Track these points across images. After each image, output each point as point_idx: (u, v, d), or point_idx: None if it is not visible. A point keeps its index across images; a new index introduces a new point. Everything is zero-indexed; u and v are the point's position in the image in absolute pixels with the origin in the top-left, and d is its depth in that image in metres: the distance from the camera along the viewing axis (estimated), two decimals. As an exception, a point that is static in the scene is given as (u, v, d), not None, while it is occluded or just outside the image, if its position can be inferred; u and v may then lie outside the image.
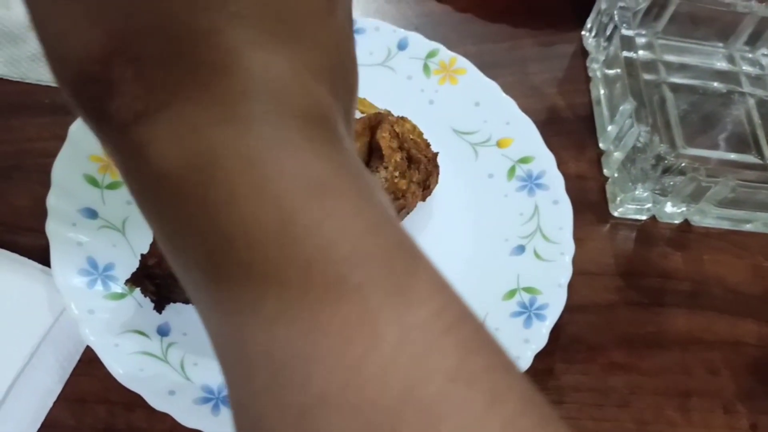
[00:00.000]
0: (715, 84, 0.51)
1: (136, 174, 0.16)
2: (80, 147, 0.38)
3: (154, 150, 0.15)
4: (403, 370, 0.15)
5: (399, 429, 0.15)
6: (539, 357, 0.37)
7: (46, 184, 0.37)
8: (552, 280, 0.39)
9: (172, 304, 0.36)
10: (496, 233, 0.42)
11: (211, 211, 0.15)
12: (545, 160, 0.43)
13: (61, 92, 0.16)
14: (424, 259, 0.17)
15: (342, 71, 0.17)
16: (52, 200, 0.36)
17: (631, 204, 0.45)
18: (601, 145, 0.49)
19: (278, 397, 0.15)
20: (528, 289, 0.39)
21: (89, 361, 0.36)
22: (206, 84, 0.15)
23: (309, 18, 0.16)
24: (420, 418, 0.15)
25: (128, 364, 0.34)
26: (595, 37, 0.52)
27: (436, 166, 0.41)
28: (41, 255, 0.36)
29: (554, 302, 0.38)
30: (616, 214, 0.46)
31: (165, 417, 0.33)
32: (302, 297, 0.15)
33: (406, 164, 0.39)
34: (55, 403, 0.35)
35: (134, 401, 0.33)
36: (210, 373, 0.35)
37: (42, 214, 0.36)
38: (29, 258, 0.38)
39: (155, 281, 0.34)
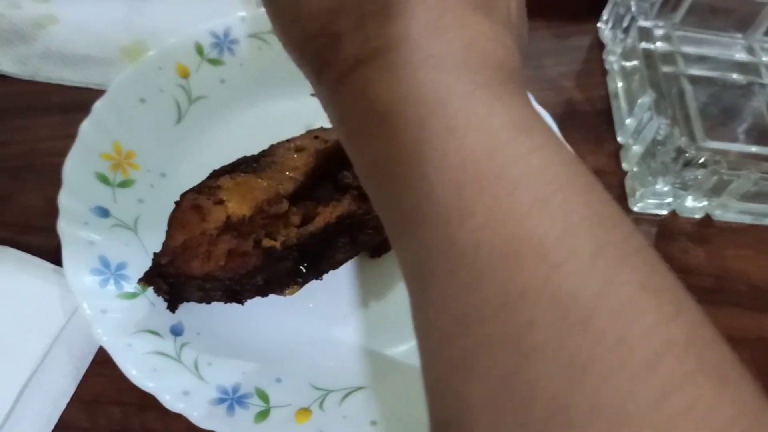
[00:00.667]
0: (735, 75, 0.50)
1: (354, 113, 0.19)
2: (91, 145, 0.38)
3: (375, 89, 0.18)
4: (599, 274, 0.17)
5: (592, 323, 0.16)
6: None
7: (57, 184, 0.36)
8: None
9: (185, 304, 0.36)
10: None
11: (430, 140, 0.18)
12: (563, 155, 0.42)
13: (288, 50, 0.20)
14: (607, 194, 0.19)
15: (522, 28, 0.21)
16: (63, 199, 0.36)
17: (651, 198, 0.44)
18: (619, 138, 0.48)
19: (480, 291, 0.17)
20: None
21: (102, 362, 0.35)
22: (420, 35, 0.18)
23: None
24: (612, 316, 0.16)
25: (141, 365, 0.33)
26: (611, 29, 0.51)
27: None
28: (53, 255, 0.36)
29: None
30: (635, 209, 0.45)
31: (179, 418, 0.32)
32: (510, 209, 0.17)
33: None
34: (68, 404, 0.35)
35: (148, 402, 0.33)
36: (224, 374, 0.34)
37: (54, 213, 0.36)
38: (41, 258, 0.38)
39: (168, 280, 0.34)
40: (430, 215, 0.18)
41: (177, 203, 0.35)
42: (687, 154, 0.40)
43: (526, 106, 0.19)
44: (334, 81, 0.19)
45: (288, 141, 0.38)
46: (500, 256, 0.17)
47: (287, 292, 0.35)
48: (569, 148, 0.19)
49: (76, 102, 0.43)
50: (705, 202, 0.44)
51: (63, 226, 0.35)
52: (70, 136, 0.38)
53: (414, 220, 0.18)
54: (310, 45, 0.19)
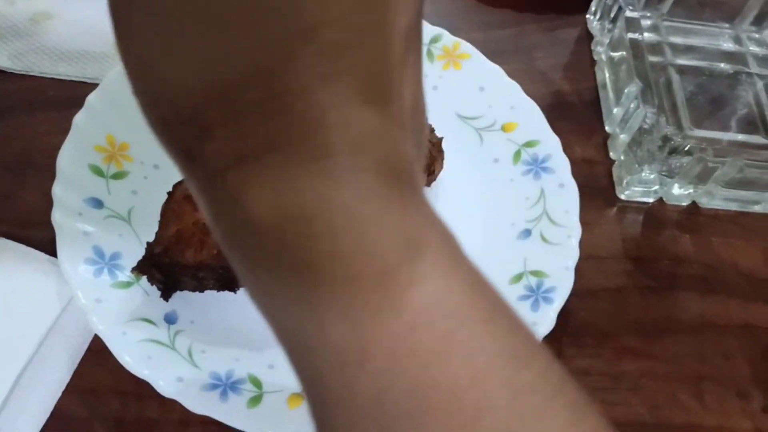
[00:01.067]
0: (722, 65, 0.50)
1: (226, 218, 0.16)
2: (85, 137, 0.38)
3: (248, 198, 0.15)
4: (518, 430, 0.16)
5: None
6: (549, 341, 0.36)
7: (56, 178, 0.37)
8: (559, 263, 0.39)
9: (178, 292, 0.36)
10: (503, 218, 0.42)
11: (311, 262, 0.15)
12: (551, 144, 0.43)
13: (152, 132, 0.17)
14: (518, 316, 0.18)
15: (418, 118, 0.18)
16: (57, 190, 0.36)
17: (638, 186, 0.45)
18: (607, 128, 0.48)
19: None
20: (535, 273, 0.39)
21: (98, 351, 0.36)
22: (300, 137, 0.15)
23: (390, 72, 0.16)
24: None
25: (136, 352, 0.34)
26: (599, 20, 0.52)
27: (441, 152, 0.41)
28: (52, 248, 0.36)
29: (561, 285, 0.38)
30: (623, 196, 0.46)
31: (175, 407, 0.33)
32: (411, 353, 0.16)
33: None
34: (64, 393, 0.35)
35: (145, 391, 0.33)
36: (218, 361, 0.35)
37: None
38: (41, 252, 0.38)
39: (162, 269, 0.34)
40: (326, 352, 0.16)
41: (170, 194, 0.35)
42: (673, 142, 0.41)
43: (418, 213, 0.17)
44: (204, 179, 0.16)
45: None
46: (406, 410, 0.15)
47: (279, 280, 0.36)
48: (468, 255, 0.18)
49: (74, 97, 0.44)
50: (691, 190, 0.45)
51: (57, 217, 0.36)
52: (68, 131, 0.38)
53: (307, 355, 0.17)
54: (175, 134, 0.16)
